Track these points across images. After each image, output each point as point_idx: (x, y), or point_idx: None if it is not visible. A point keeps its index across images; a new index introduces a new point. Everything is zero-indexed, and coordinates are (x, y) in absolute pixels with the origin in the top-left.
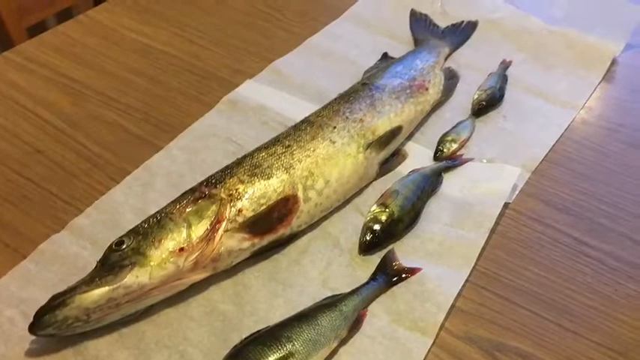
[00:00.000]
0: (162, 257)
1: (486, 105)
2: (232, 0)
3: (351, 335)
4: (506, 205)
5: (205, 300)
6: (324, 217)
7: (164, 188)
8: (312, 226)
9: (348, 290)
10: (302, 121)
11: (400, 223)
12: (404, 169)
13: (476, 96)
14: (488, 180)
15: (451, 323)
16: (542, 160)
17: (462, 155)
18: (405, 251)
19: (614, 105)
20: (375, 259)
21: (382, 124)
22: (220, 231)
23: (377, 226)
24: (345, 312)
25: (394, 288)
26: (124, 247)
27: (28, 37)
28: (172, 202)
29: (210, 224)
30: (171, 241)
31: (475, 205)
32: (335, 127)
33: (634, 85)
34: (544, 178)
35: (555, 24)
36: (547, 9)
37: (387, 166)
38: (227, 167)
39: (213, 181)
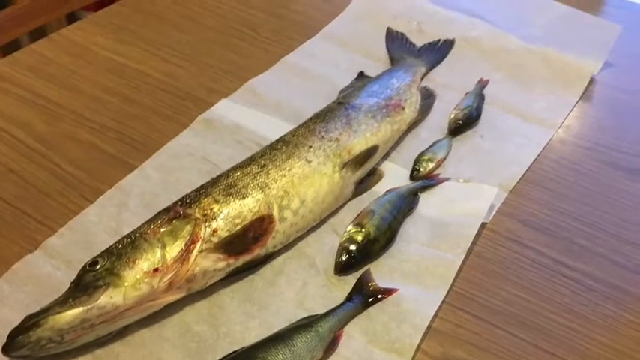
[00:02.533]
0: (137, 278)
1: (463, 124)
2: (207, 19)
3: (327, 356)
4: (483, 225)
5: (180, 321)
6: (300, 238)
7: (138, 208)
8: (287, 247)
9: (323, 311)
10: (277, 141)
11: (376, 243)
12: (380, 188)
13: (452, 115)
14: (465, 200)
15: (427, 344)
16: (520, 179)
17: (438, 175)
18: (381, 272)
19: (592, 124)
20: (351, 279)
21: (358, 144)
22: (195, 251)
23: (353, 247)
24: (320, 333)
25: (370, 309)
26: (98, 267)
27: (2, 56)
28: (146, 222)
29: (185, 244)
30: (145, 262)
31: (452, 225)
32: (311, 147)
33: (612, 103)
34: (521, 197)
35: (533, 42)
36: (525, 27)
37: (363, 185)
38: (202, 187)
39: (188, 200)
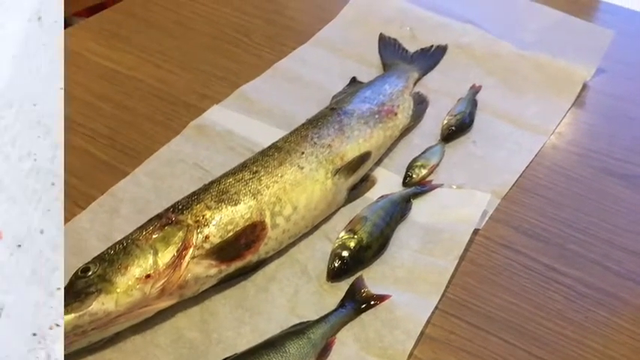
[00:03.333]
0: (129, 284)
1: (456, 130)
2: (199, 24)
3: None
4: (475, 232)
5: (172, 327)
6: (292, 244)
7: (130, 214)
8: (279, 253)
9: (316, 317)
10: (270, 147)
11: (369, 249)
12: (373, 194)
13: (445, 121)
14: (458, 206)
15: (420, 351)
16: (513, 185)
17: (431, 181)
18: (373, 278)
19: (585, 130)
20: (344, 285)
21: (351, 150)
22: (187, 258)
23: (345, 253)
24: (313, 339)
25: (363, 315)
26: (90, 273)
27: None
28: (138, 228)
29: (177, 251)
30: (137, 268)
31: (445, 232)
32: (303, 153)
33: (605, 110)
34: (514, 204)
35: (526, 48)
36: (517, 33)
37: (355, 192)
38: (194, 193)
39: (180, 207)
